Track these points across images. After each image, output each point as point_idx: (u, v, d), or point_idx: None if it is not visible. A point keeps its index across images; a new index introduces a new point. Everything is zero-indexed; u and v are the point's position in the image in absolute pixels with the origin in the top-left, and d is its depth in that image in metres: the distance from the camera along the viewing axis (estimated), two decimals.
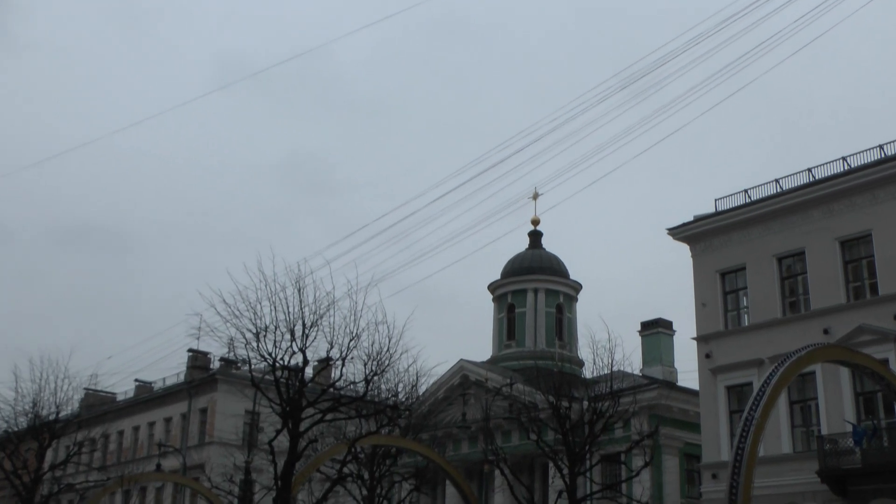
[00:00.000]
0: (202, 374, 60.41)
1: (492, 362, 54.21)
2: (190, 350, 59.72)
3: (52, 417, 46.68)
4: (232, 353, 31.64)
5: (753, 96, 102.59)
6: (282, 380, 30.43)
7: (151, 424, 64.50)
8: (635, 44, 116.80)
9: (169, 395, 63.34)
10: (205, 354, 60.96)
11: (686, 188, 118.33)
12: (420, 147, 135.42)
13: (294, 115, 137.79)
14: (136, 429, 65.85)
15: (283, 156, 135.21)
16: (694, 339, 36.80)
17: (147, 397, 66.06)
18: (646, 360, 45.95)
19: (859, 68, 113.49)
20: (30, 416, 46.68)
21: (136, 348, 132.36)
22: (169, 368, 67.62)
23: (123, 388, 70.07)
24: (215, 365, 60.09)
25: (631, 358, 40.69)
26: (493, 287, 57.77)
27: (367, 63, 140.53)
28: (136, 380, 68.51)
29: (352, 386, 32.64)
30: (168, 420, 63.05)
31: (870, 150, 33.28)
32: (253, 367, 30.98)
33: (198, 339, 38.35)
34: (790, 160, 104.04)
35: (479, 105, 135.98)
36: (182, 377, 62.24)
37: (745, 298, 36.04)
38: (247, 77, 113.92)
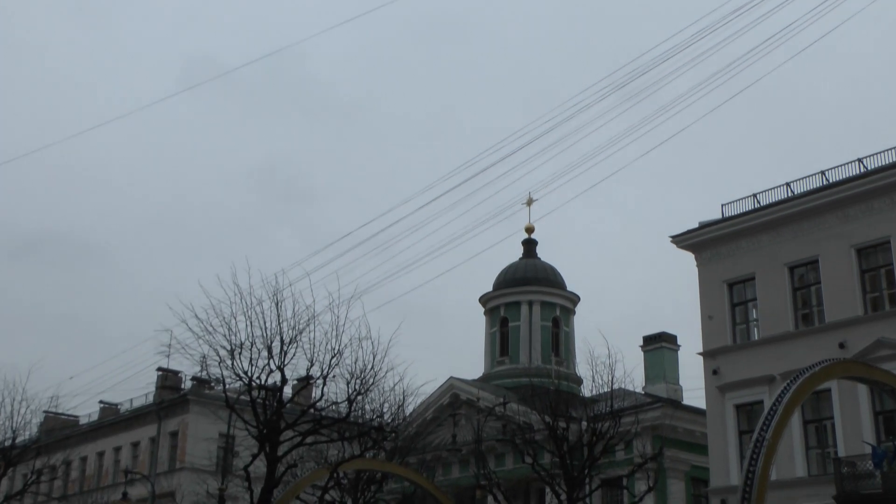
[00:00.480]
0: (172, 394, 60.17)
1: (484, 380, 54.21)
2: (159, 369, 59.51)
3: (7, 443, 46.20)
4: (205, 372, 31.68)
5: (758, 96, 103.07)
6: (258, 400, 30.31)
7: (117, 450, 64.11)
8: (632, 41, 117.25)
9: (136, 417, 62.98)
10: (175, 373, 60.75)
11: (689, 193, 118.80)
12: (403, 151, 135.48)
13: (267, 119, 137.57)
14: (101, 454, 65.44)
15: (257, 161, 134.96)
16: (700, 354, 36.79)
17: (112, 420, 65.67)
18: (648, 377, 46.03)
19: (871, 65, 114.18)
20: None
21: (100, 367, 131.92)
22: (136, 389, 67.48)
23: (87, 411, 69.65)
24: (187, 385, 59.83)
25: (633, 375, 40.84)
26: (484, 299, 57.86)
27: (343, 62, 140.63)
28: (101, 401, 68.13)
29: (334, 406, 32.52)
30: (135, 445, 62.67)
31: (888, 150, 33.37)
32: (227, 386, 30.84)
33: (168, 356, 37.97)
34: (800, 163, 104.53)
35: (466, 107, 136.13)
36: (151, 398, 61.90)
37: (754, 310, 36.07)
38: (215, 77, 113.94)
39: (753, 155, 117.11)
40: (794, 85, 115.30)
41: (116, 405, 67.35)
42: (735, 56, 32.22)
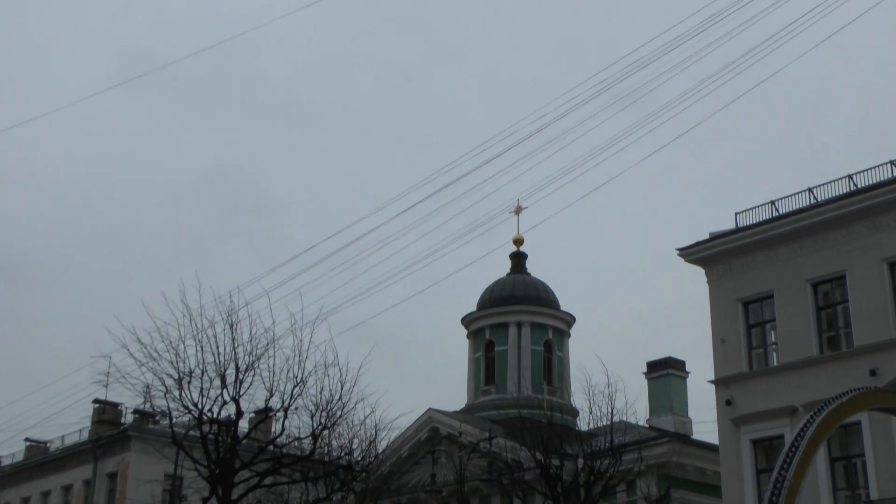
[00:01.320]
0: (110, 430, 59.80)
1: (467, 412, 54.19)
2: (96, 401, 59.16)
3: None
4: (148, 404, 31.91)
5: (770, 93, 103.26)
6: (210, 436, 30.45)
7: (46, 494, 63.69)
8: (628, 32, 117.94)
9: (69, 456, 62.60)
10: (114, 406, 60.41)
11: (698, 201, 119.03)
12: (370, 156, 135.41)
13: (216, 120, 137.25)
14: (27, 500, 65.00)
15: (204, 167, 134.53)
16: (711, 382, 36.68)
17: (41, 460, 65.25)
18: (653, 409, 46.04)
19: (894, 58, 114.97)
20: None
21: (26, 400, 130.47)
22: (69, 424, 66.62)
23: (11, 450, 69.16)
24: (127, 419, 59.52)
25: (635, 406, 40.46)
26: (467, 321, 57.87)
27: (301, 57, 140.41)
28: (27, 439, 67.65)
29: (296, 442, 32.63)
30: (67, 488, 62.28)
31: None
32: (174, 420, 31.21)
33: (105, 387, 38.23)
34: (821, 167, 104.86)
35: (441, 108, 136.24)
36: (85, 434, 61.55)
37: (773, 333, 36.01)
38: (153, 70, 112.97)
39: (768, 159, 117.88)
40: (811, 80, 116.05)
41: (45, 443, 66.88)
42: (744, 49, 32.22)
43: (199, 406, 30.35)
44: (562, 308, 57.78)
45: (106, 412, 60.64)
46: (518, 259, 59.25)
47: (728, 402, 35.75)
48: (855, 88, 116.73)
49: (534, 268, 59.74)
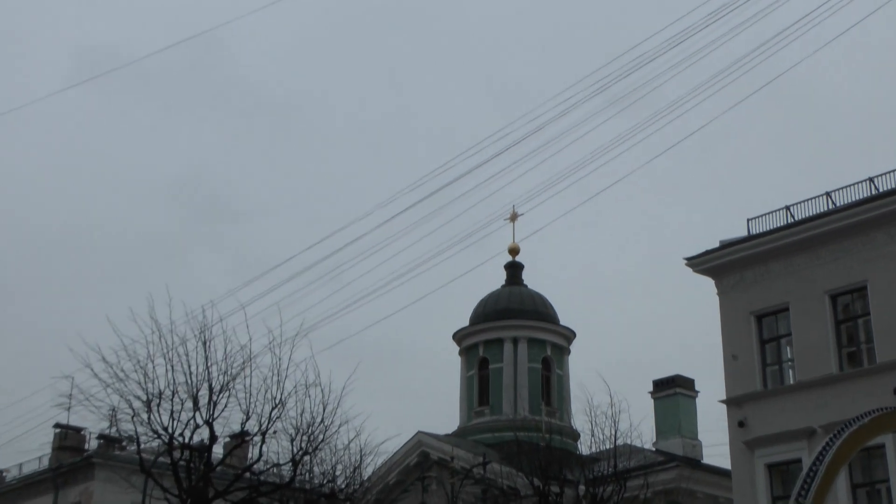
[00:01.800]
0: (73, 456, 59.49)
1: (459, 435, 54.23)
2: (57, 425, 58.86)
3: None
4: (114, 429, 31.83)
5: (782, 92, 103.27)
6: (181, 462, 30.34)
7: None
8: (630, 29, 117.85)
9: (28, 486, 62.27)
10: (77, 431, 60.04)
11: (706, 207, 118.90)
12: (353, 160, 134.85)
13: (187, 121, 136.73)
14: None
15: (175, 171, 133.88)
16: (723, 402, 36.73)
17: None
18: (660, 431, 46.16)
19: None
20: None
21: None
22: (28, 451, 66.45)
23: None
24: (91, 445, 59.25)
25: (640, 428, 40.61)
26: (459, 336, 57.92)
27: (279, 54, 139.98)
28: None
29: (275, 469, 32.55)
30: None
31: None
32: (143, 446, 30.95)
33: (67, 410, 37.79)
34: (838, 170, 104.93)
35: (430, 107, 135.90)
36: (46, 462, 61.26)
37: (788, 349, 36.02)
38: (117, 69, 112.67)
39: (780, 161, 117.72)
40: (825, 77, 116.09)
41: (2, 472, 66.67)
42: (753, 45, 32.25)
43: (170, 430, 30.27)
44: (561, 322, 57.83)
45: (68, 437, 60.30)
46: (514, 269, 59.30)
47: (741, 424, 35.69)
48: (873, 85, 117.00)
49: (530, 279, 59.94)
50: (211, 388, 30.67)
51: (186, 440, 30.59)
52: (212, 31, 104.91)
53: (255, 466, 32.36)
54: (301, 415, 32.32)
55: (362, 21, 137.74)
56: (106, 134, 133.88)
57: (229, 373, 31.00)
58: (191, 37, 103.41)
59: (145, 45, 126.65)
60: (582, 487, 36.35)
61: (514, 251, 58.99)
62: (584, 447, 37.75)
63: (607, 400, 37.60)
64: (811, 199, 36.34)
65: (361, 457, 38.86)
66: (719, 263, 37.91)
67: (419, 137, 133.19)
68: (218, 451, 31.85)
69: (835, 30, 32.10)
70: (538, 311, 57.16)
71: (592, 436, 37.25)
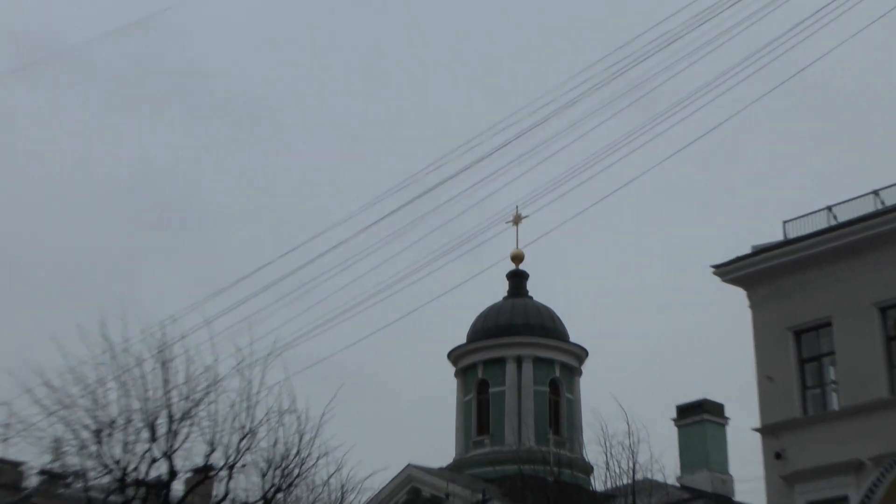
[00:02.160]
0: (9, 495, 58.88)
1: (455, 468, 53.96)
2: None
3: None
4: (58, 463, 32.33)
5: (816, 81, 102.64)
6: (136, 502, 30.23)
7: None
8: (646, 13, 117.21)
9: None
10: (15, 466, 59.40)
11: (735, 207, 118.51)
12: (328, 161, 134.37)
13: (137, 118, 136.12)
14: None
15: (124, 173, 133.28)
16: (757, 430, 36.21)
17: None
18: (685, 464, 45.81)
19: None
20: None
21: None
22: None
23: None
24: (31, 481, 58.65)
25: (662, 460, 40.76)
26: (455, 355, 57.70)
27: (242, 44, 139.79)
28: None
29: None
30: None
31: None
32: (91, 482, 30.98)
33: (4, 441, 38.10)
34: (883, 166, 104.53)
35: (417, 100, 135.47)
36: None
37: (832, 369, 35.57)
38: (55, 56, 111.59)
39: (817, 156, 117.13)
40: (863, 63, 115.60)
41: None
42: (780, 31, 31.17)
43: (123, 464, 30.18)
44: (571, 339, 57.64)
45: (4, 473, 59.54)
46: (517, 279, 59.09)
47: (778, 456, 35.08)
48: None
49: (536, 290, 59.89)
50: (170, 416, 30.63)
51: (142, 476, 30.41)
52: (165, 13, 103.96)
53: None
54: (274, 446, 32.23)
55: (337, 4, 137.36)
56: (46, 132, 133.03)
57: (192, 398, 30.99)
58: (141, 19, 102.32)
59: (88, 30, 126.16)
60: None
61: (517, 258, 58.49)
62: (598, 482, 37.95)
63: (624, 428, 37.28)
64: (856, 198, 36.19)
65: (343, 494, 38.85)
66: (752, 272, 37.39)
67: (405, 133, 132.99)
68: (178, 488, 31.80)
69: (874, 12, 31.14)
70: (545, 326, 56.88)
71: (607, 469, 37.24)
